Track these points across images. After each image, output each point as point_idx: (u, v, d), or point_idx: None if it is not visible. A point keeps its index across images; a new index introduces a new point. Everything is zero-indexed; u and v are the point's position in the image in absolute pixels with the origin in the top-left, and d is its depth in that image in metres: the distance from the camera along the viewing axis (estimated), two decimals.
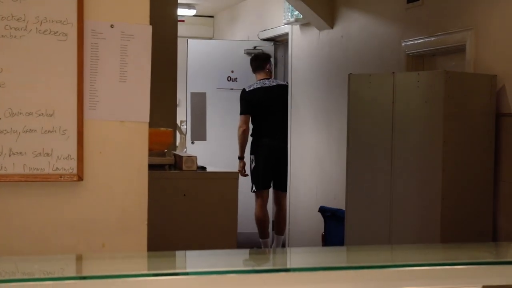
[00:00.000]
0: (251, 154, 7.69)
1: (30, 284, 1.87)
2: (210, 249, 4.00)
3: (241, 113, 7.67)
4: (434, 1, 5.26)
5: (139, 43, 2.81)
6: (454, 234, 4.45)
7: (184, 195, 4.39)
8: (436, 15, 5.22)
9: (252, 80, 7.95)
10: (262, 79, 7.73)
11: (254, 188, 7.64)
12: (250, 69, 7.94)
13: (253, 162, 7.64)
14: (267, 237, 7.77)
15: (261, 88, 7.65)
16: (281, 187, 7.76)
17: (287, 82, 7.91)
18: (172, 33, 6.21)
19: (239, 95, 7.84)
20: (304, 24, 7.39)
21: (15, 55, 2.68)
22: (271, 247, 7.93)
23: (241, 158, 7.73)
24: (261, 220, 7.66)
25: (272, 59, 8.07)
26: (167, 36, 6.09)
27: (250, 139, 7.73)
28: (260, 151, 7.62)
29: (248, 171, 7.73)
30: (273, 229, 8.13)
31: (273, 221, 8.11)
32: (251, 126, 7.72)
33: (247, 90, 7.67)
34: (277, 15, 8.03)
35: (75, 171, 2.74)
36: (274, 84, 7.74)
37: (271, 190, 7.90)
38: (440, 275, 2.08)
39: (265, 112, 7.62)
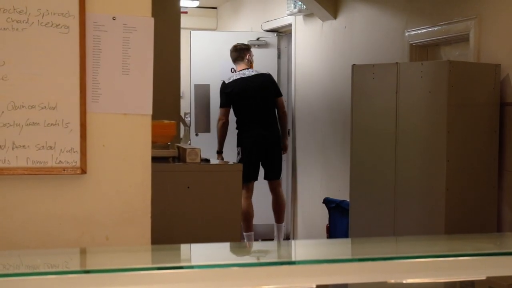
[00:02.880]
0: (237, 146, 7.51)
1: (34, 278, 1.86)
2: (214, 242, 4.00)
3: (220, 106, 7.53)
4: None
5: (141, 35, 2.80)
6: (459, 225, 4.44)
7: (188, 187, 4.38)
8: (440, 4, 5.21)
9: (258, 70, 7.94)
10: (241, 70, 7.56)
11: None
12: (253, 60, 7.89)
13: (240, 154, 7.45)
14: (252, 231, 7.64)
15: (241, 79, 7.48)
16: (275, 175, 7.64)
17: (268, 73, 7.76)
18: (175, 25, 6.20)
19: None
20: (308, 15, 7.37)
21: (17, 48, 2.67)
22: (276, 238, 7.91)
23: (219, 152, 7.56)
24: (246, 213, 7.51)
25: (252, 49, 7.94)
26: (170, 27, 6.08)
27: (235, 132, 7.60)
28: (246, 142, 7.46)
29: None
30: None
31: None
32: (232, 119, 7.60)
33: (226, 82, 7.52)
34: (281, 6, 8.01)
35: (78, 164, 2.73)
36: (253, 73, 7.50)
37: (256, 182, 7.80)
38: (444, 267, 2.08)
39: (247, 103, 7.43)
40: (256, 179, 7.58)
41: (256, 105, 7.44)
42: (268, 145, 7.49)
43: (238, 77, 7.51)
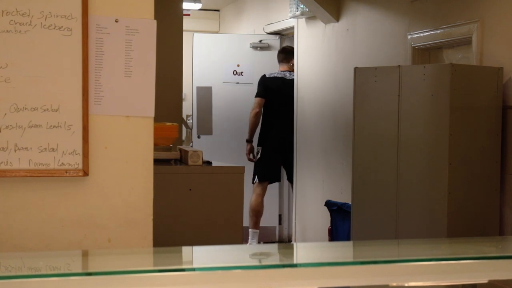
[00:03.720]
0: (258, 145, 7.65)
1: (36, 280, 1.86)
2: (216, 244, 3.99)
3: (256, 96, 7.68)
4: None
5: (144, 38, 2.81)
6: (461, 228, 4.44)
7: (190, 189, 4.38)
8: (442, 7, 5.21)
9: (258, 75, 7.96)
10: (284, 71, 7.79)
11: (256, 179, 7.57)
12: (256, 62, 7.94)
13: (259, 154, 7.59)
14: (258, 229, 7.71)
15: (281, 78, 7.73)
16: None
17: None
18: (177, 27, 6.21)
19: (244, 89, 7.82)
20: (310, 17, 7.37)
21: (19, 50, 2.68)
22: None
23: (249, 141, 7.71)
24: (257, 211, 7.58)
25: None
26: (172, 30, 6.09)
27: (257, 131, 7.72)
28: (268, 143, 7.58)
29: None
30: None
31: None
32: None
33: (267, 76, 7.74)
34: (283, 9, 8.02)
35: (80, 166, 2.74)
36: (292, 77, 7.76)
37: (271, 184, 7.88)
38: (446, 270, 2.08)
39: (278, 102, 7.65)
40: (274, 181, 7.71)
41: (285, 108, 7.64)
42: (291, 148, 7.61)
43: (279, 75, 7.75)
